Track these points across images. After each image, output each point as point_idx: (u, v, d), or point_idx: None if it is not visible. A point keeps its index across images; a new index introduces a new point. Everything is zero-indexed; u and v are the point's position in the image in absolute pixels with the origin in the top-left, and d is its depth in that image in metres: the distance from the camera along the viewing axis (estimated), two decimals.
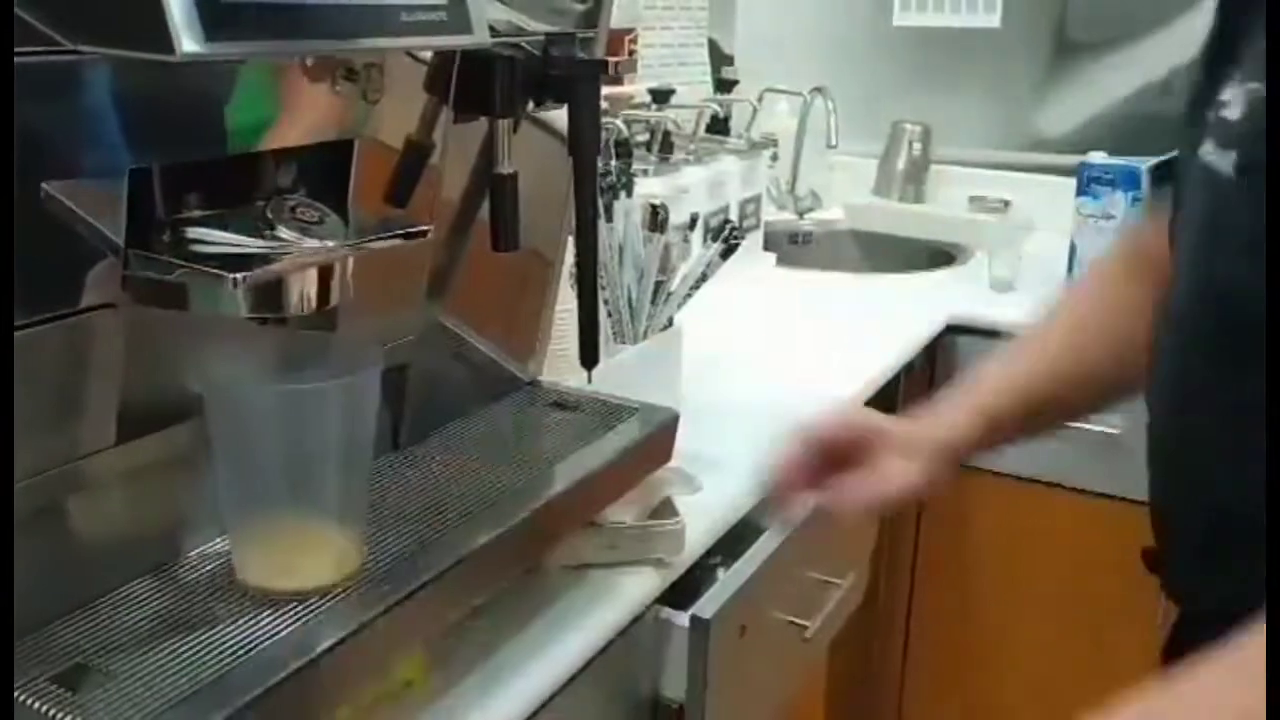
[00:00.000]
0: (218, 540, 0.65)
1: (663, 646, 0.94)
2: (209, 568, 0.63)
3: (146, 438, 0.61)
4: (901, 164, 2.22)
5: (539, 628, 0.84)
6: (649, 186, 1.45)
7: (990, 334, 1.63)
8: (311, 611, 0.60)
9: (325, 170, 0.66)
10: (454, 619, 0.71)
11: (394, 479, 0.77)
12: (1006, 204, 2.09)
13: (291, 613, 0.60)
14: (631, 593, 0.90)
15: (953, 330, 1.65)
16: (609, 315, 1.12)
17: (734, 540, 1.04)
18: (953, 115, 2.18)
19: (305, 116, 0.63)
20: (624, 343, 1.14)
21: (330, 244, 0.59)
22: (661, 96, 1.65)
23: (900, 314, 1.62)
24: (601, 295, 1.09)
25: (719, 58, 2.22)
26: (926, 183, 2.23)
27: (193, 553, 0.65)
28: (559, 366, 1.00)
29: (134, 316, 0.57)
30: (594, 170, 0.81)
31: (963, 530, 1.70)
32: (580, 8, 0.83)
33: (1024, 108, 2.12)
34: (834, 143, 2.03)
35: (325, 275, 0.59)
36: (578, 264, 0.84)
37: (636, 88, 1.67)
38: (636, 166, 1.43)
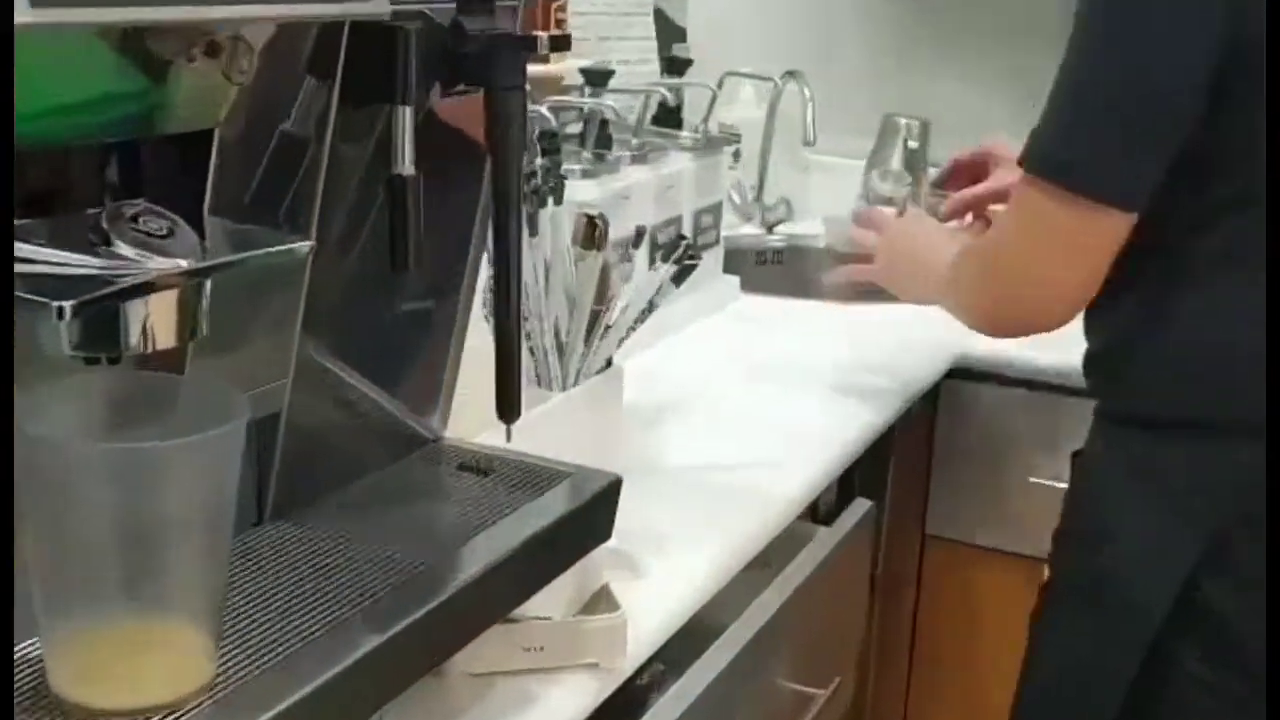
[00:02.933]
0: (27, 643, 0.64)
1: None
2: (17, 679, 0.62)
3: None
4: (895, 166, 2.26)
5: None
6: (582, 191, 1.47)
7: (1005, 380, 1.66)
8: None
9: (176, 169, 0.66)
10: None
11: (257, 563, 0.77)
12: None
13: None
14: (560, 707, 0.90)
15: (958, 375, 1.68)
16: (531, 354, 1.12)
17: (688, 640, 1.05)
18: (957, 106, 2.22)
19: (152, 101, 0.62)
20: (550, 389, 1.14)
21: (183, 263, 0.59)
22: (597, 79, 1.67)
23: (893, 353, 1.65)
24: (524, 329, 1.10)
25: (668, 32, 2.25)
26: (925, 189, 2.27)
27: None
28: (467, 419, 1.00)
29: None
30: (519, 171, 0.82)
31: (969, 620, 1.72)
32: None
33: (1042, 94, 2.16)
34: (811, 139, 2.07)
35: (176, 304, 0.58)
36: (496, 291, 0.84)
37: (565, 66, 1.69)
38: (567, 166, 1.44)
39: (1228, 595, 1.10)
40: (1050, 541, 1.26)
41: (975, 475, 1.70)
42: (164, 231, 0.59)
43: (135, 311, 0.57)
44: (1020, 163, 1.14)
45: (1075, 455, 1.29)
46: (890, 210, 1.62)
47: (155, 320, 0.58)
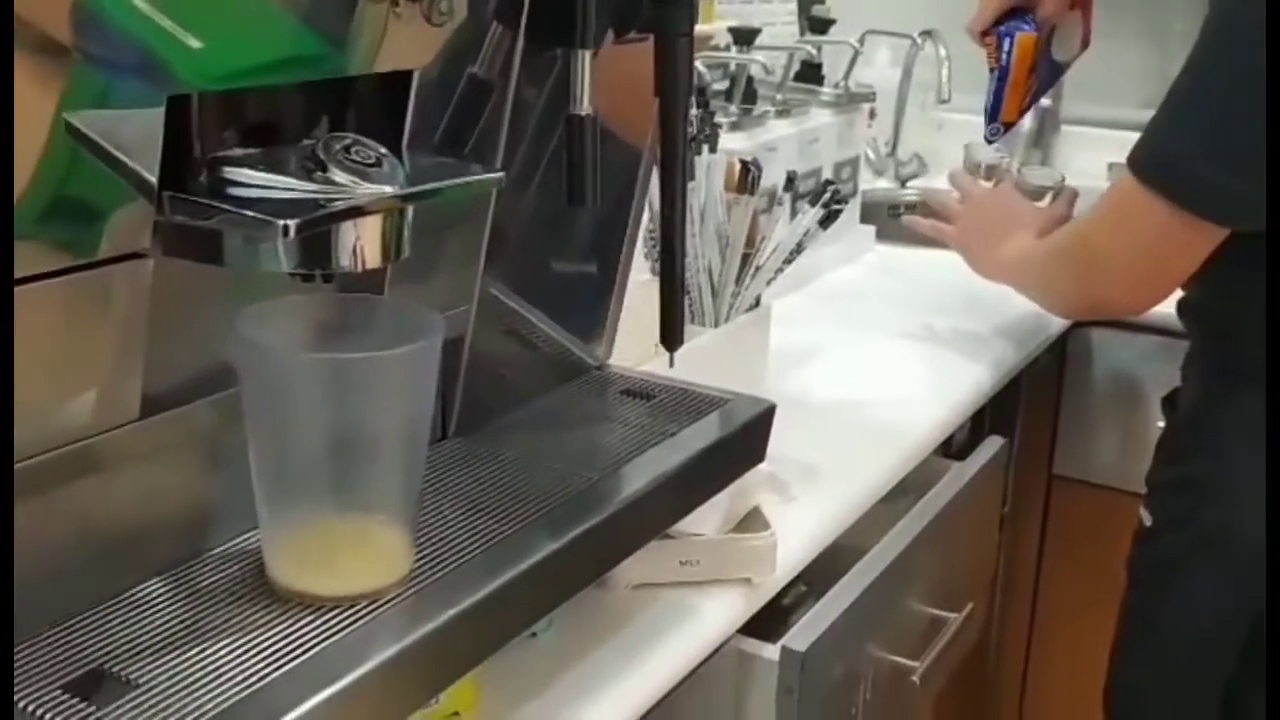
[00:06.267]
0: (250, 533, 0.66)
1: (747, 683, 0.95)
2: (239, 565, 0.65)
3: (173, 411, 0.62)
4: (1026, 123, 2.20)
5: (603, 657, 0.85)
6: (730, 142, 1.46)
7: (1131, 327, 1.62)
8: (356, 620, 0.61)
9: (379, 106, 0.67)
10: (509, 640, 0.71)
11: (442, 473, 0.78)
12: None
13: (333, 620, 0.61)
14: (712, 618, 0.91)
15: (1088, 322, 1.63)
16: (686, 293, 1.12)
17: (828, 562, 1.05)
18: (1089, 64, 2.15)
19: (361, 42, 0.63)
20: (702, 325, 1.14)
21: (389, 190, 0.60)
22: (744, 37, 1.65)
23: (1024, 301, 1.61)
24: None
25: None
26: (1056, 146, 2.21)
27: (220, 547, 0.66)
28: (627, 349, 1.01)
29: (164, 271, 0.58)
30: (685, 114, 0.81)
31: (1096, 559, 1.69)
32: None
33: (1179, 55, 2.08)
34: (946, 97, 2.02)
35: (384, 227, 0.60)
36: (663, 226, 0.84)
37: (715, 26, 1.67)
38: (718, 118, 1.43)
39: None
40: (1146, 487, 1.22)
41: (1102, 418, 1.66)
42: (373, 160, 0.60)
43: (347, 232, 0.58)
44: (1129, 161, 1.09)
45: (1167, 399, 1.24)
46: (985, 183, 1.58)
47: (364, 242, 0.59)
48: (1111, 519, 1.65)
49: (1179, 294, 1.18)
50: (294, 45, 0.61)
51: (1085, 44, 1.48)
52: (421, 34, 0.67)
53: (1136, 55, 2.13)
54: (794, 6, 2.17)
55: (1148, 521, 1.20)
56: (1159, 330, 1.59)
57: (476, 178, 0.67)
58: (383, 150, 0.61)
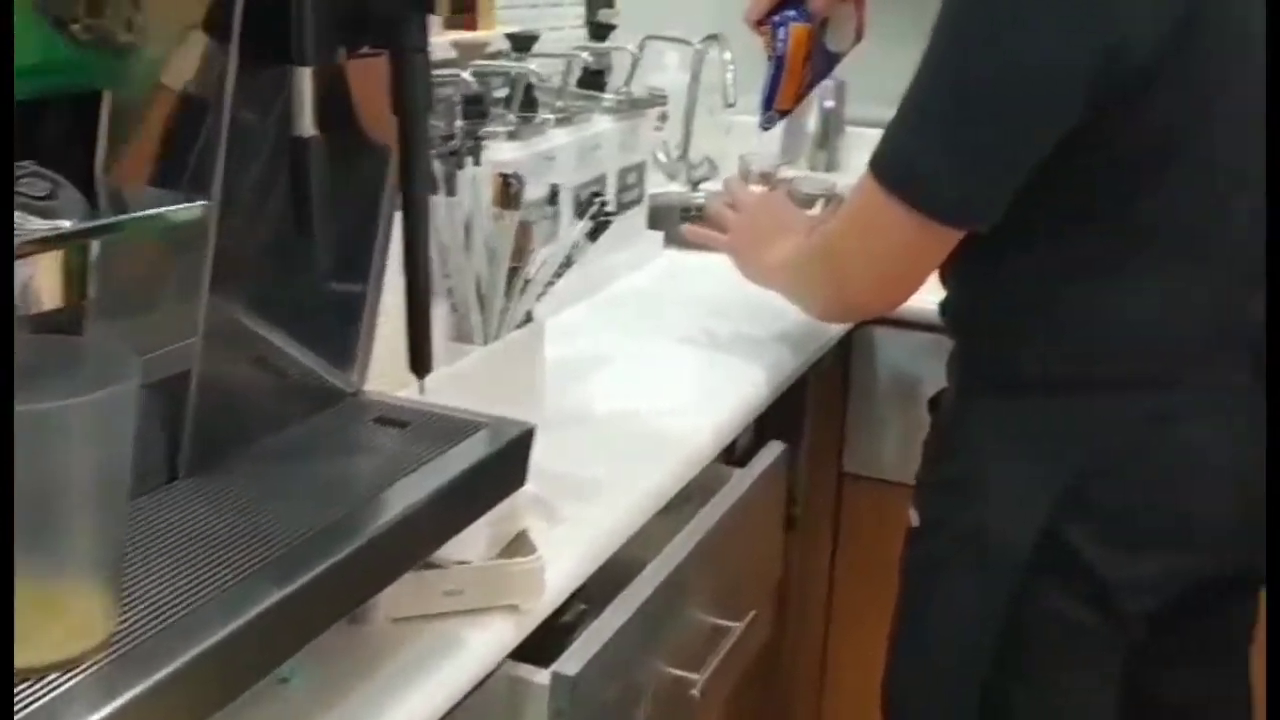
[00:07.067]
0: None
1: (519, 711, 0.93)
2: None
3: None
4: (811, 126, 2.23)
5: (364, 695, 0.82)
6: (508, 152, 1.43)
7: (915, 326, 1.65)
8: (47, 693, 0.56)
9: (63, 132, 0.62)
10: (245, 693, 0.67)
11: (171, 518, 0.73)
12: None
13: (21, 695, 0.56)
14: (479, 647, 0.88)
15: (871, 321, 1.66)
16: (453, 310, 1.09)
17: (605, 581, 1.03)
18: (872, 65, 2.20)
19: (35, 61, 0.58)
20: (472, 342, 1.11)
21: (65, 224, 0.55)
22: (522, 44, 1.62)
23: None
24: (445, 284, 1.07)
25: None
26: (841, 148, 2.24)
27: None
28: (388, 374, 0.97)
29: None
30: (424, 132, 0.78)
31: (887, 554, 1.72)
32: None
33: None
34: (732, 101, 2.03)
35: (64, 263, 0.55)
36: (406, 249, 0.81)
37: (492, 33, 1.64)
38: (494, 128, 1.40)
39: (1086, 537, 1.07)
40: (915, 486, 1.24)
41: (888, 415, 1.69)
42: (44, 193, 0.55)
43: (18, 271, 0.54)
44: (870, 162, 1.09)
45: (933, 401, 1.27)
46: (759, 188, 1.60)
47: (39, 281, 0.54)
48: (901, 514, 1.69)
49: (945, 293, 1.20)
50: None
51: (859, 36, 1.51)
52: (112, 53, 0.63)
53: (913, 58, 2.18)
54: (583, 10, 2.16)
55: (915, 522, 1.21)
56: (936, 328, 1.64)
57: (168, 209, 0.63)
58: (59, 181, 0.56)
